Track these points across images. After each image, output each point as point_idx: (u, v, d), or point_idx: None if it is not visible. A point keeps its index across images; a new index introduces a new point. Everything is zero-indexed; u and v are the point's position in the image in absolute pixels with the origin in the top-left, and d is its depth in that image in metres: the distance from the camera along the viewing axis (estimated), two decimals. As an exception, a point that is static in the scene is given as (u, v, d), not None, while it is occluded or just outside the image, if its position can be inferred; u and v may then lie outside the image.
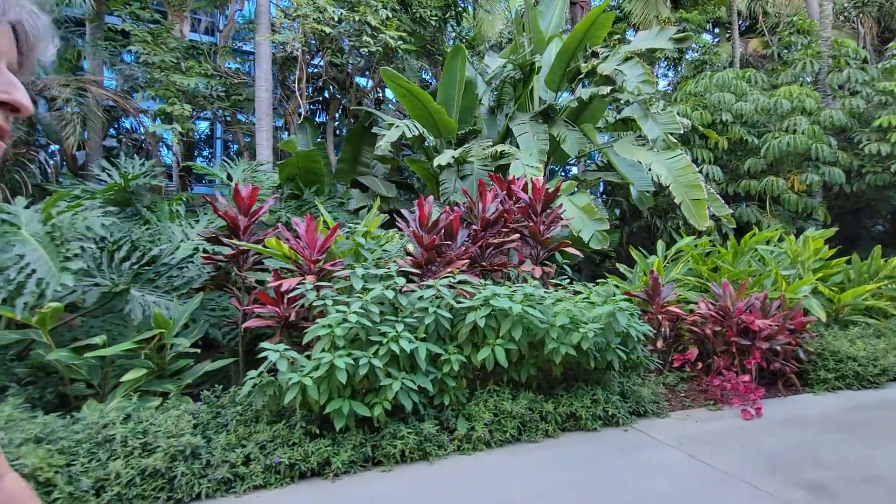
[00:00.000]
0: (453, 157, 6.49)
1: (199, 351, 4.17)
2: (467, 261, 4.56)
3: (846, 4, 14.09)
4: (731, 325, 4.83)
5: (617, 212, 10.07)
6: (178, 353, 4.05)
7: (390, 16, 6.85)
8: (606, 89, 6.86)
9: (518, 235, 5.08)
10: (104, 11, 8.57)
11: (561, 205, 5.37)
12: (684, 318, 5.36)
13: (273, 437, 3.26)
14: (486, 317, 3.77)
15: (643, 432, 3.90)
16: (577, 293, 4.58)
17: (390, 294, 3.66)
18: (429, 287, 3.84)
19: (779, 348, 4.75)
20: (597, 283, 5.07)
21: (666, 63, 12.24)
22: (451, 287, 3.93)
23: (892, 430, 3.88)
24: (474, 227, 4.92)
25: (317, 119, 12.30)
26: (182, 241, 4.95)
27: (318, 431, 3.36)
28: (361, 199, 7.96)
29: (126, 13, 7.68)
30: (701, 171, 8.46)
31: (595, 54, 7.64)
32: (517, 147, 7.27)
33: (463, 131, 7.94)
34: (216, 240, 4.59)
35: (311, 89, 10.84)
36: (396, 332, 3.53)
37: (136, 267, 4.34)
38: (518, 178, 5.65)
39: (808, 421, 4.10)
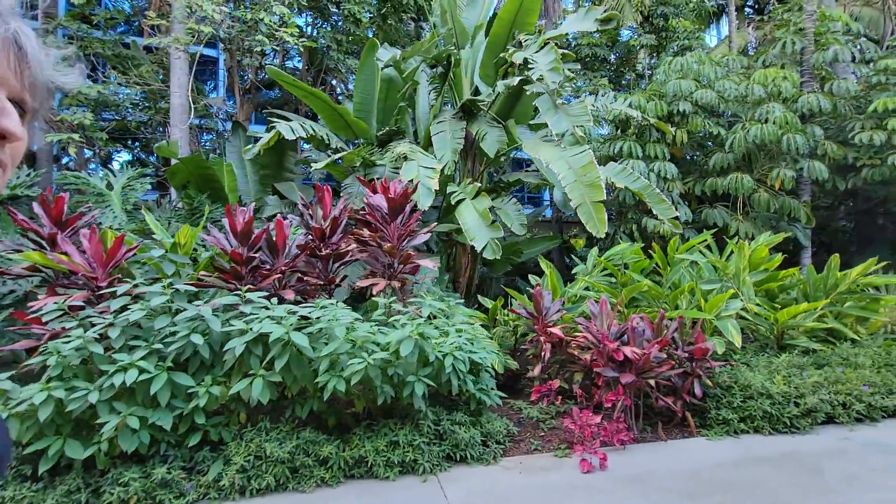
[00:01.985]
0: (337, 160, 6.00)
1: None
2: (279, 276, 4.05)
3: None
4: (603, 353, 4.03)
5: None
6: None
7: (288, 13, 6.47)
8: (516, 80, 6.14)
9: (356, 245, 4.51)
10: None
11: (417, 212, 4.75)
12: (568, 342, 4.59)
13: (-27, 479, 2.89)
14: (254, 342, 3.26)
15: (441, 485, 3.23)
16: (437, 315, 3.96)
17: (136, 316, 3.22)
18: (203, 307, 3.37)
19: (652, 383, 3.89)
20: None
21: (645, 52, 11.14)
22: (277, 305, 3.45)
23: (761, 500, 2.99)
24: (303, 237, 4.40)
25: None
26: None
27: (28, 473, 2.96)
28: (278, 207, 7.60)
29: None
30: (652, 170, 7.50)
31: (519, 43, 6.91)
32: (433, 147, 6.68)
33: (382, 132, 7.42)
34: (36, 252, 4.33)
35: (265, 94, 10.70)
36: (131, 360, 3.08)
37: (-59, 282, 4.15)
38: (395, 183, 5.08)
39: (660, 479, 3.27)
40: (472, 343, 3.89)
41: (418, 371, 3.45)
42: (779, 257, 5.47)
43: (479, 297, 6.22)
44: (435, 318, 4.57)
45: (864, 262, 8.92)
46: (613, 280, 5.61)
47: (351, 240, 4.63)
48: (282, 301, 3.89)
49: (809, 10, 7.95)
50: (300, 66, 10.58)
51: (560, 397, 4.47)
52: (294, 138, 5.96)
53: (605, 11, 6.27)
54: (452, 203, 6.18)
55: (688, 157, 8.57)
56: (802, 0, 8.10)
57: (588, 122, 5.65)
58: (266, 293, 3.71)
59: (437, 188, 5.86)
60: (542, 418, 4.27)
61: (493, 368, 4.80)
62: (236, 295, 3.58)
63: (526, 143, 6.03)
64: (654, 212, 6.55)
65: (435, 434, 3.55)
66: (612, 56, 12.30)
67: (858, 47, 7.99)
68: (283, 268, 4.10)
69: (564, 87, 6.27)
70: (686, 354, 4.16)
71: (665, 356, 4.14)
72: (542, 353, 4.62)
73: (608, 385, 4.04)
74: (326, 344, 3.33)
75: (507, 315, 5.81)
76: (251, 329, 3.22)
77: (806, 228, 7.98)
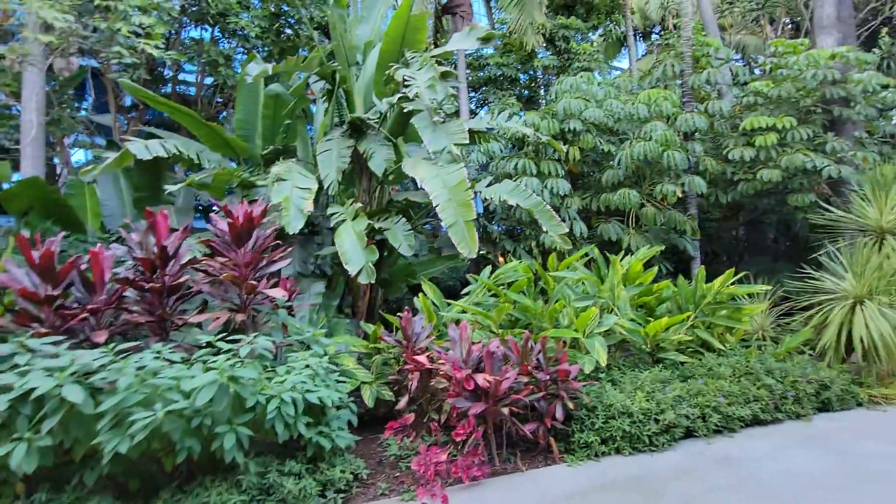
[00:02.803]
0: (205, 181, 5.55)
1: None
2: (87, 315, 3.53)
3: (750, 5, 13.61)
4: (458, 382, 3.81)
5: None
6: None
7: (152, 23, 6.00)
8: (395, 98, 5.99)
9: (202, 276, 4.08)
10: None
11: (269, 237, 4.39)
12: (435, 371, 4.35)
13: None
14: (20, 400, 2.74)
15: (254, 551, 2.83)
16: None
17: None
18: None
19: (506, 411, 3.72)
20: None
21: (551, 73, 11.49)
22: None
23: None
24: (126, 269, 3.92)
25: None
26: None
27: None
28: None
29: None
30: (546, 186, 7.57)
31: (406, 62, 6.79)
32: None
33: (267, 150, 7.01)
34: None
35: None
36: None
37: None
38: (244, 205, 4.69)
39: (499, 519, 3.06)
40: (314, 380, 3.55)
41: (234, 418, 3.05)
42: (652, 271, 5.58)
43: (362, 322, 5.90)
44: (310, 349, 4.22)
45: (750, 270, 9.42)
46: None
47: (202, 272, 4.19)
48: (94, 345, 3.39)
49: (686, 35, 8.47)
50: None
51: (415, 433, 4.21)
52: (150, 157, 5.43)
53: (487, 31, 6.30)
54: (332, 225, 5.86)
55: (586, 174, 8.79)
56: (681, 27, 8.63)
57: (464, 140, 5.57)
58: (63, 337, 3.20)
59: (311, 209, 5.54)
60: (405, 455, 3.98)
61: (364, 402, 4.49)
62: (17, 342, 3.04)
63: (406, 162, 5.85)
64: (544, 228, 6.57)
65: (259, 489, 3.15)
66: (526, 76, 12.64)
67: (729, 69, 8.56)
68: (97, 306, 3.58)
69: (444, 105, 6.19)
70: (548, 377, 4.04)
71: (526, 381, 4.00)
72: (410, 384, 4.35)
73: (464, 416, 3.82)
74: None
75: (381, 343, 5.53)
76: (15, 385, 2.70)
77: (694, 240, 8.35)
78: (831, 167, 7.06)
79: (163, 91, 10.36)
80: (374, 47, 7.58)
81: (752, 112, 8.16)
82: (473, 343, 4.28)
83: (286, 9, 8.27)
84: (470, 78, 12.23)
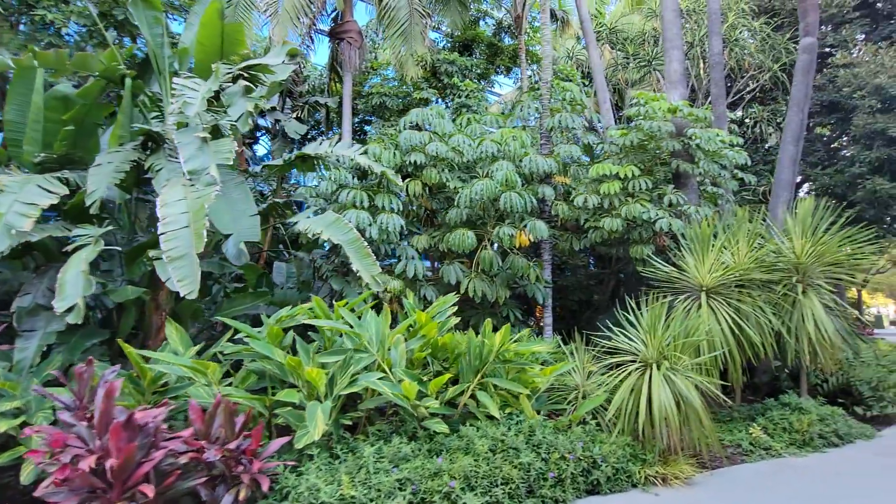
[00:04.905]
0: None
1: None
2: None
3: (640, 62, 14.14)
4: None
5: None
6: None
7: None
8: (174, 107, 5.24)
9: None
10: None
11: None
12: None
13: None
14: None
15: None
16: None
17: None
18: None
19: (115, 509, 2.83)
20: None
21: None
22: None
23: None
24: None
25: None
26: None
27: None
28: None
29: None
30: (375, 221, 6.94)
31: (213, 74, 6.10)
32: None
33: (39, 158, 6.01)
34: None
35: None
36: None
37: None
38: None
39: None
40: None
41: None
42: (437, 322, 4.92)
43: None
44: None
45: (610, 320, 9.05)
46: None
47: None
48: None
49: (546, 78, 8.34)
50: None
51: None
52: None
53: (292, 48, 5.76)
54: (70, 249, 4.90)
55: (437, 211, 8.29)
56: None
57: (228, 160, 4.85)
58: None
59: (29, 229, 4.57)
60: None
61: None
62: None
63: (170, 181, 5.02)
64: (355, 267, 5.88)
65: None
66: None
67: (584, 117, 8.45)
68: None
69: (234, 120, 5.52)
70: (222, 455, 3.20)
71: (186, 461, 3.14)
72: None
73: (83, 510, 2.89)
74: None
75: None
76: None
77: (546, 287, 7.92)
78: (664, 219, 6.86)
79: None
80: (188, 57, 6.87)
81: (608, 159, 8.00)
82: (154, 408, 3.41)
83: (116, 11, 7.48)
84: (358, 105, 11.77)
